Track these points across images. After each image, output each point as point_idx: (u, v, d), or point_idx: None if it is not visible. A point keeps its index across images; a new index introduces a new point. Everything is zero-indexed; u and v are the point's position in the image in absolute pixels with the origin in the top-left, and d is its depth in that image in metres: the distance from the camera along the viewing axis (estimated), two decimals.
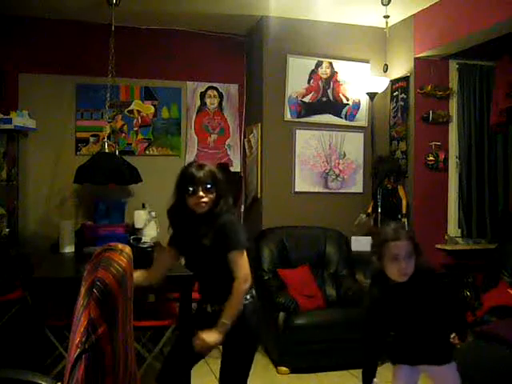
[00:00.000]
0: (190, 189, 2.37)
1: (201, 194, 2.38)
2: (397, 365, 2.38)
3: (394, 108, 4.79)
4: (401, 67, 4.67)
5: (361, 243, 4.61)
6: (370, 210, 4.61)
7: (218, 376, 3.48)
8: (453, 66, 4.61)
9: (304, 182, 4.74)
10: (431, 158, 4.52)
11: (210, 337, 2.29)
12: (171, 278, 3.12)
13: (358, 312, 3.93)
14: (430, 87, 4.48)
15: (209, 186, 2.40)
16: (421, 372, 2.38)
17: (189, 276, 2.77)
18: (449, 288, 2.44)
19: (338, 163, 4.81)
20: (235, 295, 2.33)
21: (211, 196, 2.40)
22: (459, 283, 4.21)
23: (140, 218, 4.38)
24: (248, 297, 2.45)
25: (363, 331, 2.39)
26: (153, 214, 4.34)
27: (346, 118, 4.82)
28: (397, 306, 2.27)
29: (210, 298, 2.46)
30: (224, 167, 4.90)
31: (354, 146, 4.85)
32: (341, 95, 4.81)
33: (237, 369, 2.50)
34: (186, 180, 2.40)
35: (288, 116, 4.68)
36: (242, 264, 2.37)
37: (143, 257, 3.17)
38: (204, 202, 2.39)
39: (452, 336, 2.29)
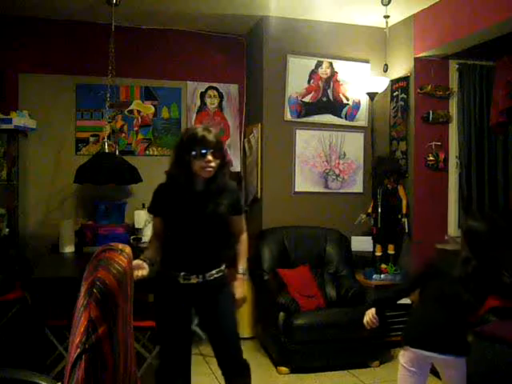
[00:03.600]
0: (199, 152, 2.31)
1: (209, 157, 2.33)
2: (408, 351, 2.36)
3: (394, 108, 4.79)
4: (401, 67, 4.67)
5: (361, 243, 4.62)
6: (370, 210, 4.61)
7: (218, 375, 3.49)
8: (453, 65, 4.61)
9: (304, 182, 4.74)
10: (431, 158, 4.52)
11: (243, 290, 2.53)
12: None
13: (358, 312, 3.96)
14: (429, 87, 4.48)
15: (217, 150, 2.36)
16: (430, 365, 2.38)
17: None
18: None
19: (338, 163, 4.82)
20: (246, 245, 2.62)
21: (217, 161, 2.37)
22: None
23: (140, 218, 4.38)
24: None
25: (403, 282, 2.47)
26: None
27: (346, 118, 4.82)
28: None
29: (198, 269, 2.44)
30: None
31: (354, 146, 4.85)
32: (341, 95, 4.81)
33: (236, 319, 2.61)
34: (195, 142, 2.32)
35: (288, 116, 4.68)
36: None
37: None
38: (211, 167, 2.35)
39: None
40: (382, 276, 4.32)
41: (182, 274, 2.41)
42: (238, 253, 2.60)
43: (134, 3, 4.22)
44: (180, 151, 2.39)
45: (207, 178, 2.39)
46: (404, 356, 2.37)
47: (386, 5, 4.13)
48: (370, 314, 2.49)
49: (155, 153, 4.88)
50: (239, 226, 2.60)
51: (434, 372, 2.43)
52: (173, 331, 2.48)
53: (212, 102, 5.05)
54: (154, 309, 2.59)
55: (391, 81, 4.74)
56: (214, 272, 2.47)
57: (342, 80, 4.80)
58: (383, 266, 4.38)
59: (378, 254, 4.41)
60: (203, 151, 2.32)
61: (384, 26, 4.40)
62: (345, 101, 4.82)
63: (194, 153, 2.32)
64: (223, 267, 2.52)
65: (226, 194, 2.45)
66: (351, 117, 4.84)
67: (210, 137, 2.34)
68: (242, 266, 2.57)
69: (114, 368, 1.19)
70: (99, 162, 4.16)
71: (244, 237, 2.63)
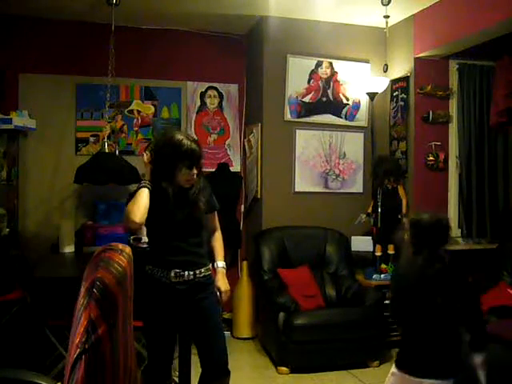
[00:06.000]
0: (189, 165, 2.36)
1: (195, 171, 2.39)
2: (395, 373, 2.33)
3: (394, 108, 4.79)
4: (401, 67, 4.67)
5: (361, 243, 4.62)
6: (370, 210, 4.61)
7: None
8: (453, 65, 4.61)
9: (304, 181, 4.74)
10: (431, 158, 4.52)
11: (226, 283, 2.57)
12: None
13: (358, 312, 3.96)
14: (429, 87, 4.48)
15: (200, 160, 2.42)
16: None
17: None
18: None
19: (338, 163, 4.81)
20: (222, 242, 2.67)
21: (198, 171, 2.44)
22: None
23: None
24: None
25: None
26: None
27: (345, 118, 4.82)
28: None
29: (187, 264, 2.47)
30: (224, 167, 4.90)
31: (354, 146, 4.85)
32: (341, 95, 4.81)
33: (221, 319, 2.70)
34: (186, 154, 2.36)
35: (288, 116, 4.68)
36: None
37: (143, 257, 3.16)
38: (193, 179, 2.42)
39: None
40: (382, 276, 4.32)
41: (174, 271, 2.44)
42: (215, 249, 2.67)
43: (134, 3, 4.22)
44: (164, 160, 2.39)
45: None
46: (394, 376, 2.34)
47: (386, 5, 4.13)
48: None
49: None
50: (214, 223, 2.68)
51: None
52: (160, 330, 2.50)
53: (212, 102, 5.05)
54: (140, 307, 2.60)
55: (391, 81, 4.74)
56: (202, 270, 2.51)
57: (342, 80, 4.80)
58: (383, 265, 4.38)
59: (378, 254, 4.40)
60: (191, 165, 2.38)
61: (384, 26, 4.39)
62: (345, 101, 4.82)
63: (187, 164, 2.36)
64: (209, 266, 2.57)
65: (201, 192, 2.50)
66: (351, 117, 4.84)
67: (198, 150, 2.40)
68: (221, 260, 2.64)
69: (114, 368, 1.19)
70: (99, 162, 4.16)
71: (219, 233, 2.71)
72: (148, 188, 2.39)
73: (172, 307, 2.49)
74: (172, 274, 2.43)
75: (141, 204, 2.34)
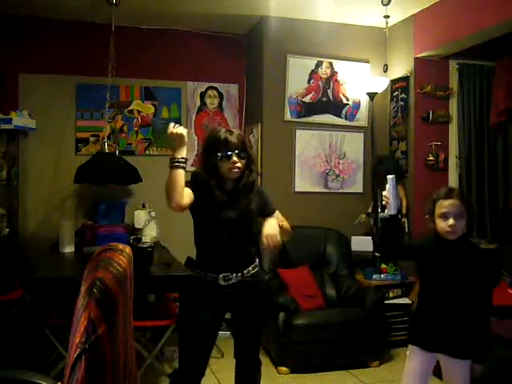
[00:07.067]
0: (226, 153, 2.36)
1: (235, 158, 2.38)
2: (413, 348, 2.35)
3: (394, 108, 4.79)
4: (401, 67, 4.67)
5: (361, 243, 4.62)
6: (369, 210, 4.61)
7: (217, 376, 3.50)
8: (453, 65, 4.61)
9: (304, 181, 4.74)
10: (431, 158, 4.52)
11: (273, 227, 2.48)
12: (171, 278, 3.13)
13: (358, 312, 3.96)
14: (430, 87, 4.48)
15: (241, 150, 2.41)
16: (435, 360, 2.35)
17: (188, 276, 2.74)
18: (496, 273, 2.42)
19: (338, 163, 4.82)
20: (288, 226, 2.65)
21: (243, 161, 2.42)
22: None
23: (140, 218, 4.38)
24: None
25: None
26: (153, 213, 4.34)
27: (346, 118, 4.82)
28: (439, 262, 2.29)
29: (237, 267, 2.46)
30: None
31: (354, 146, 4.85)
32: (341, 95, 4.81)
33: (264, 315, 2.65)
34: (221, 144, 2.38)
35: (288, 116, 4.68)
36: None
37: (143, 257, 3.16)
38: (238, 168, 2.40)
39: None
40: (382, 276, 4.32)
41: (222, 275, 2.43)
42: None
43: (134, 3, 4.22)
44: (206, 154, 2.44)
45: (235, 178, 2.44)
46: (412, 356, 2.35)
47: (386, 5, 4.13)
48: None
49: (155, 153, 4.88)
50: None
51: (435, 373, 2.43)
52: (204, 334, 2.48)
53: (212, 102, 5.05)
54: (180, 311, 2.68)
55: (391, 81, 4.74)
56: (250, 268, 2.50)
57: (342, 80, 4.80)
58: (383, 266, 4.38)
59: (378, 254, 4.40)
60: (228, 153, 2.36)
61: (384, 26, 4.40)
62: (345, 101, 4.82)
63: (224, 154, 2.36)
64: (257, 262, 2.57)
65: (254, 193, 2.50)
66: (351, 117, 4.84)
67: (233, 138, 2.38)
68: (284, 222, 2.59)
69: (114, 368, 1.19)
70: (99, 161, 4.16)
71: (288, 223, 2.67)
72: (182, 168, 2.31)
73: (220, 309, 2.51)
74: (220, 277, 2.43)
75: (174, 187, 2.28)
